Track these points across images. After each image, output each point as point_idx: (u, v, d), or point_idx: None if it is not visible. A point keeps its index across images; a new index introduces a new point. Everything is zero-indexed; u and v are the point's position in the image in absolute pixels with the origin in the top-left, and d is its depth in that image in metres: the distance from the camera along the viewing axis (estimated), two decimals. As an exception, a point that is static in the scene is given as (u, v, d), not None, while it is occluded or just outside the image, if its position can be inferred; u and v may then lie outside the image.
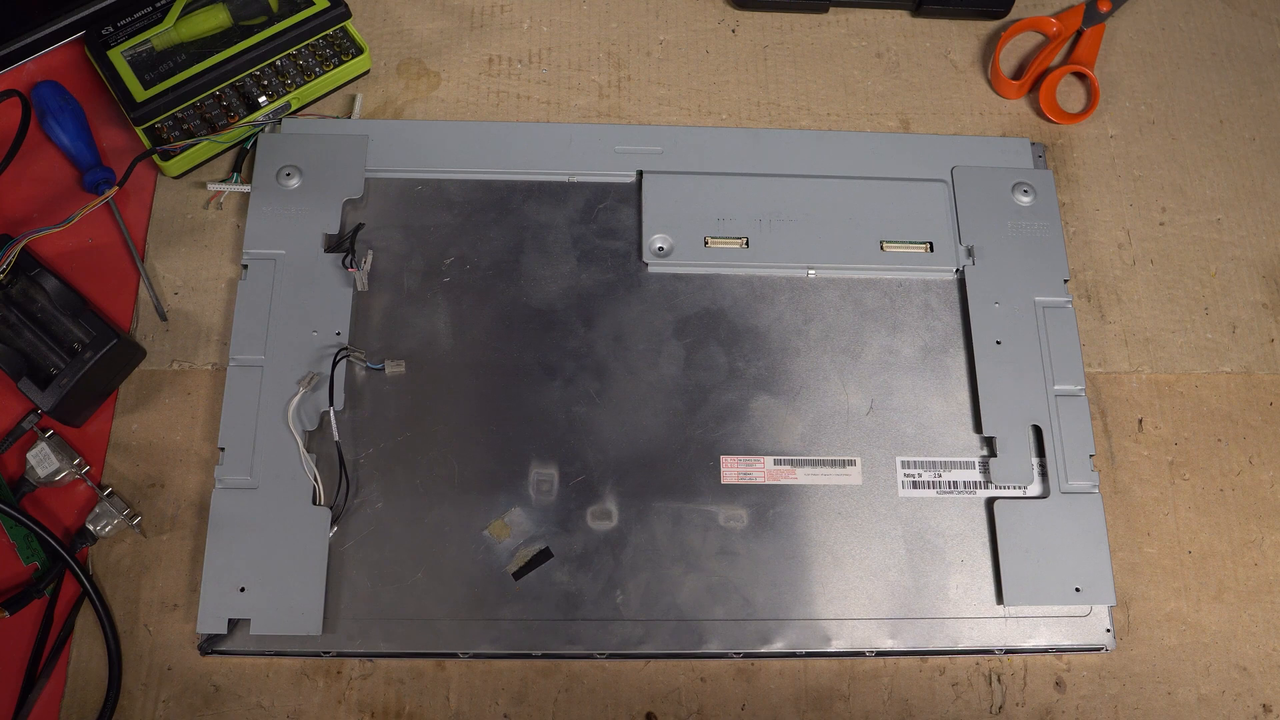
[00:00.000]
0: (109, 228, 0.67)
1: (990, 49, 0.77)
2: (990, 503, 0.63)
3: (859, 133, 0.73)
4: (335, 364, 0.62)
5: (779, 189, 0.69)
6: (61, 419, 0.60)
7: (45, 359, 0.61)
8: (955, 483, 0.64)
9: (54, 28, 0.69)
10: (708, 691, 0.60)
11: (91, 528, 0.59)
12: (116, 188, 0.65)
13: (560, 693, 0.59)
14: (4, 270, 0.60)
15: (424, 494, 0.61)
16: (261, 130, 0.68)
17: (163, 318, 0.66)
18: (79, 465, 0.61)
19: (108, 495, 0.60)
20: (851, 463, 0.64)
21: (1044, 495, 0.63)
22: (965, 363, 0.66)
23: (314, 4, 0.69)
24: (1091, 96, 0.75)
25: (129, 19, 0.68)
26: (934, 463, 0.64)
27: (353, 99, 0.72)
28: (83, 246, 0.66)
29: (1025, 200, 0.70)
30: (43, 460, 0.59)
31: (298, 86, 0.70)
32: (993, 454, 0.64)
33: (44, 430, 0.61)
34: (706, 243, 0.68)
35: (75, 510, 0.61)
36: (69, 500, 0.61)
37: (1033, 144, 0.72)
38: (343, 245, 0.65)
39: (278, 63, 0.69)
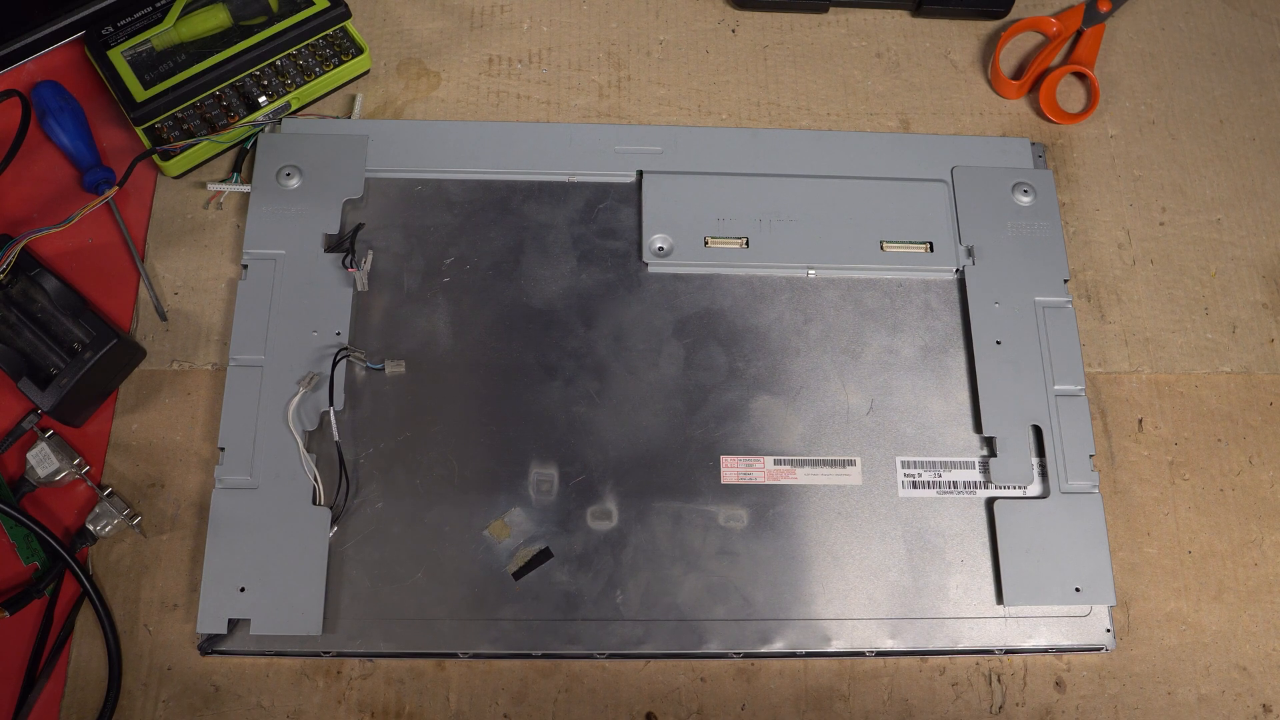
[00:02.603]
0: (109, 228, 0.67)
1: (990, 49, 0.77)
2: (990, 503, 0.63)
3: (859, 133, 0.73)
4: (335, 364, 0.62)
5: (779, 189, 0.69)
6: (61, 419, 0.60)
7: (45, 359, 0.61)
8: (955, 483, 0.64)
9: (54, 28, 0.69)
10: (708, 691, 0.60)
11: (91, 528, 0.59)
12: (116, 188, 0.65)
13: (560, 693, 0.59)
14: (4, 270, 0.60)
15: (424, 494, 0.61)
16: (261, 130, 0.68)
17: (163, 318, 0.66)
18: (79, 465, 0.61)
19: (108, 495, 0.60)
20: (851, 463, 0.64)
21: (1044, 495, 0.63)
22: (965, 363, 0.66)
23: (314, 4, 0.69)
24: (1091, 96, 0.75)
25: (129, 19, 0.68)
26: (934, 463, 0.64)
27: (353, 99, 0.72)
28: (83, 246, 0.66)
29: (1025, 200, 0.70)
30: (43, 460, 0.59)
31: (298, 86, 0.70)
32: (993, 454, 0.64)
33: (44, 430, 0.61)
34: (706, 243, 0.68)
35: (75, 510, 0.61)
36: (69, 500, 0.61)
37: (1033, 144, 0.72)
38: (343, 245, 0.65)
39: (278, 63, 0.69)
